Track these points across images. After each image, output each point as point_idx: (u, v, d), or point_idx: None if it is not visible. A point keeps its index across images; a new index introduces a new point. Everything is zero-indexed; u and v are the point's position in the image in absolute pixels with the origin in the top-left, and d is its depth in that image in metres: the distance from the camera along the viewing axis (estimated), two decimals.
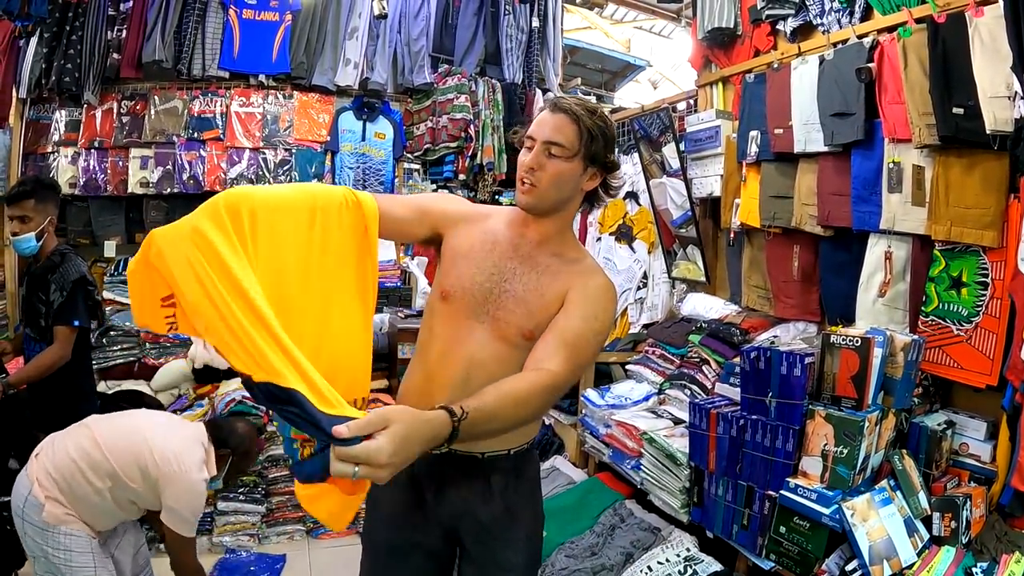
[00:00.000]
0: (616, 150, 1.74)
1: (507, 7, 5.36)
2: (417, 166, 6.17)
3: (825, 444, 2.29)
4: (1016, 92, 2.24)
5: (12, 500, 2.48)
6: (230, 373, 4.16)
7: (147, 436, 2.45)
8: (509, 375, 1.50)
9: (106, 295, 4.40)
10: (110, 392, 4.00)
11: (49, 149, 4.47)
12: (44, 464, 2.45)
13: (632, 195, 4.52)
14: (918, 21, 2.61)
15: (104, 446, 2.43)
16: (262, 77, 4.83)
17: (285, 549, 3.80)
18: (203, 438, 2.60)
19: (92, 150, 4.51)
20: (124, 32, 4.47)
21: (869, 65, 2.75)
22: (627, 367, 3.94)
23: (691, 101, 4.31)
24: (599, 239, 4.87)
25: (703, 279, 4.03)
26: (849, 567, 2.13)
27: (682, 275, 4.19)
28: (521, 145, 1.70)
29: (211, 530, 3.72)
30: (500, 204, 5.08)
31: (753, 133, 3.38)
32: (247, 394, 3.77)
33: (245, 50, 4.75)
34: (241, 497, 3.78)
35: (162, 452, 2.41)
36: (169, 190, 4.58)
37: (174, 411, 3.97)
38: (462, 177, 5.18)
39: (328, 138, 5.06)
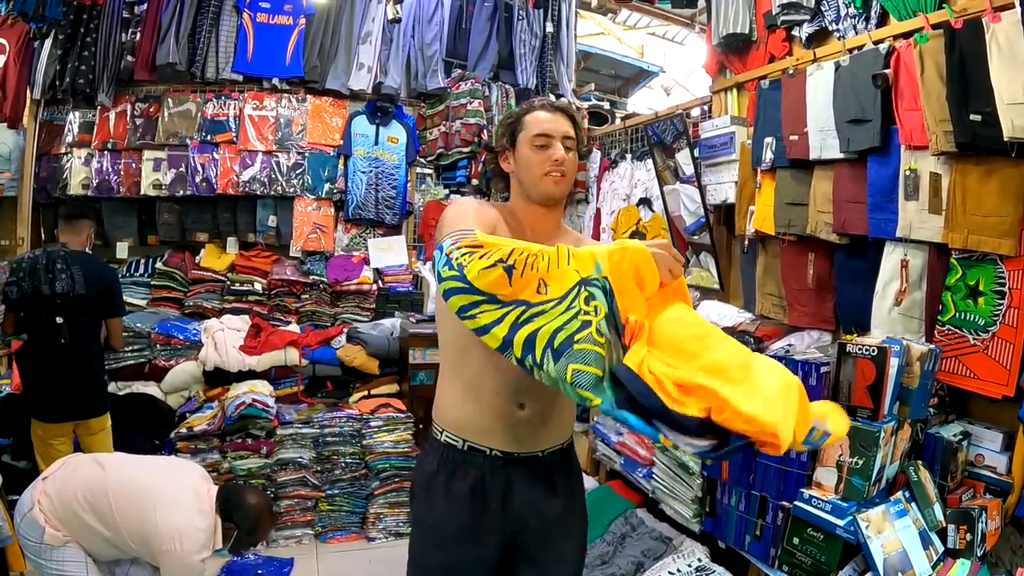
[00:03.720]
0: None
1: (521, 12, 5.36)
2: (430, 170, 6.19)
3: (840, 455, 2.27)
4: None
5: (15, 512, 2.52)
6: (240, 376, 4.17)
7: (157, 507, 2.42)
8: None
9: None
10: (120, 394, 4.01)
11: (63, 150, 4.50)
12: (49, 491, 2.47)
13: (645, 201, 4.49)
14: (935, 27, 2.59)
15: (114, 501, 2.43)
16: (275, 81, 4.85)
17: (293, 553, 3.79)
18: (212, 511, 2.56)
19: (105, 152, 4.54)
20: (138, 35, 4.50)
21: (885, 71, 2.72)
22: None
23: (705, 107, 4.29)
24: None
25: (717, 287, 4.01)
26: None
27: (695, 283, 4.16)
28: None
29: None
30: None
31: (768, 139, 3.36)
32: (257, 398, 3.81)
33: (259, 54, 4.77)
34: None
35: (167, 527, 2.39)
36: (181, 192, 4.60)
37: (184, 413, 3.98)
38: (475, 182, 5.17)
39: (341, 142, 5.07)
